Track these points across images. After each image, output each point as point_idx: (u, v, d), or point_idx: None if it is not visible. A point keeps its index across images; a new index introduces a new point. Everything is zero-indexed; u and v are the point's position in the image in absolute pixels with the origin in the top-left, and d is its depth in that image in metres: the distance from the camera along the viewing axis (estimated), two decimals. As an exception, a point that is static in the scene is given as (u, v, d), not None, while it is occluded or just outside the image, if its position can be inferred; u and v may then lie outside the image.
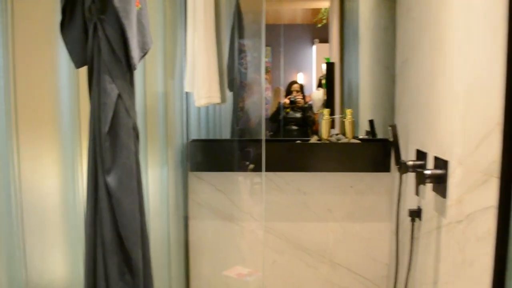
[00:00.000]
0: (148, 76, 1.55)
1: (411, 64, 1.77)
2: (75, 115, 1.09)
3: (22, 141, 0.95)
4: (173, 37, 1.87)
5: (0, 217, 0.87)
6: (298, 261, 2.15)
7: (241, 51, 2.25)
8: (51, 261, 1.12)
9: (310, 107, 2.48)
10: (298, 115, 2.45)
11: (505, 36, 1.00)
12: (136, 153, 1.00)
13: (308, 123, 2.47)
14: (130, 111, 0.97)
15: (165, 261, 1.78)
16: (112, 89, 0.92)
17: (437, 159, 1.44)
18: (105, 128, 0.92)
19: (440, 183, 1.40)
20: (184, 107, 2.03)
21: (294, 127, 2.45)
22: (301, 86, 2.51)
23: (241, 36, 2.24)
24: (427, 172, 1.41)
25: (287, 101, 2.44)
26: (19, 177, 0.93)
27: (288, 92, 2.48)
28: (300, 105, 2.46)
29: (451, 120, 1.33)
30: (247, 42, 2.28)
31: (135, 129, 0.99)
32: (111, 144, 0.93)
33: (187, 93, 1.97)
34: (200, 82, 1.70)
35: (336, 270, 2.15)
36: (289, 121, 2.45)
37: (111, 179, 0.92)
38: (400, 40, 1.98)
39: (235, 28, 2.21)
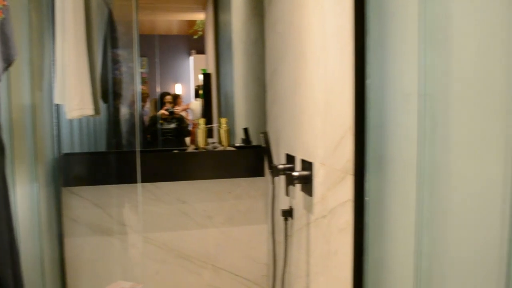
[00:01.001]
0: (13, 88, 1.46)
1: (279, 75, 1.91)
2: None
3: None
4: (40, 47, 1.78)
5: None
6: (181, 269, 2.17)
7: (116, 61, 2.21)
8: None
9: (182, 118, 2.51)
10: (174, 125, 2.47)
11: (352, 53, 1.14)
12: (2, 169, 0.95)
13: (184, 133, 2.50)
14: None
15: (38, 280, 1.68)
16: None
17: (303, 161, 1.58)
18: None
19: (307, 183, 1.53)
20: (55, 119, 1.94)
21: (171, 138, 2.47)
22: (174, 97, 2.54)
23: (114, 46, 2.20)
24: (295, 173, 1.54)
25: (165, 112, 2.45)
26: None
27: (161, 103, 2.49)
28: (178, 116, 2.49)
29: (314, 126, 1.47)
30: (122, 52, 2.24)
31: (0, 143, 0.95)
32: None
33: (57, 105, 1.89)
34: (71, 93, 1.65)
35: (218, 274, 2.21)
36: (166, 132, 2.46)
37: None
38: (268, 52, 2.12)
39: (108, 38, 2.17)
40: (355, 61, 1.14)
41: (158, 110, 2.46)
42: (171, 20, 2.72)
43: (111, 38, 2.19)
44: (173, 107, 2.48)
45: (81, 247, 2.06)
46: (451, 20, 0.80)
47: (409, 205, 0.96)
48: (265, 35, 2.17)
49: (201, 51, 2.75)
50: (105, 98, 2.10)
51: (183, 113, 2.55)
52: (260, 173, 2.15)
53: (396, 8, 0.99)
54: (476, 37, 0.74)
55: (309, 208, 1.55)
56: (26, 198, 1.60)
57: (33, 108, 1.67)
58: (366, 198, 1.18)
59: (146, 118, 2.48)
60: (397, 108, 1.00)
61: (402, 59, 0.97)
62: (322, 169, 1.40)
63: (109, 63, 2.16)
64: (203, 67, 2.69)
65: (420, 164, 0.91)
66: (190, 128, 2.50)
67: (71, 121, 1.95)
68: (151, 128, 2.45)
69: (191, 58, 2.74)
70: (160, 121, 2.44)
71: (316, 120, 1.44)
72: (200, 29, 2.69)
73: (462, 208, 0.78)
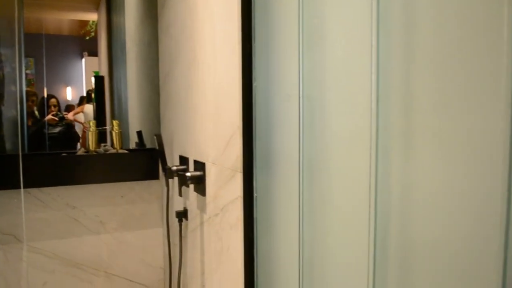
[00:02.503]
0: None
1: (172, 78, 1.92)
2: None
3: None
4: None
5: None
6: (71, 278, 2.07)
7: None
8: None
9: (71, 124, 2.42)
10: (61, 129, 2.37)
11: (239, 57, 1.20)
12: None
13: (74, 138, 2.41)
14: None
15: None
16: None
17: (196, 162, 1.61)
18: None
19: (199, 183, 1.56)
20: None
21: (60, 142, 2.36)
22: (58, 101, 2.44)
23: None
24: (188, 174, 1.56)
25: (54, 118, 2.33)
26: None
27: (47, 107, 2.37)
28: (68, 122, 2.39)
29: (205, 127, 1.51)
30: (4, 52, 2.10)
31: None
32: None
33: None
34: None
35: (112, 282, 2.15)
36: (54, 137, 2.35)
37: None
38: (162, 55, 2.12)
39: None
40: (243, 65, 1.20)
41: (45, 114, 2.34)
42: (61, 20, 2.60)
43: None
44: (59, 111, 2.38)
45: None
46: (324, 26, 0.89)
47: (293, 198, 1.03)
48: (159, 37, 2.17)
49: (94, 53, 2.66)
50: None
51: (78, 116, 2.46)
52: (155, 176, 2.14)
53: (280, 15, 1.07)
54: (344, 42, 0.83)
55: (202, 207, 1.58)
56: None
57: None
58: (255, 194, 1.24)
59: (33, 122, 2.34)
60: (281, 108, 1.07)
61: (284, 63, 1.05)
62: (213, 169, 1.44)
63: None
64: (96, 70, 2.61)
65: (300, 160, 0.99)
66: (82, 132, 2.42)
67: None
68: (38, 132, 2.32)
69: (83, 60, 2.64)
70: (49, 126, 2.33)
71: (207, 121, 1.48)
72: (93, 30, 2.60)
73: (336, 199, 0.86)
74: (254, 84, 1.20)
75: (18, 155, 1.74)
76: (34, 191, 1.94)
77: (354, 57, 0.79)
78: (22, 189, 1.74)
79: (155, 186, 2.17)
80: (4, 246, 1.93)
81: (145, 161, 2.12)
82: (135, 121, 2.46)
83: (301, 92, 0.98)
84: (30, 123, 2.32)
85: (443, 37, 0.61)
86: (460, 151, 0.58)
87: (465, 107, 0.57)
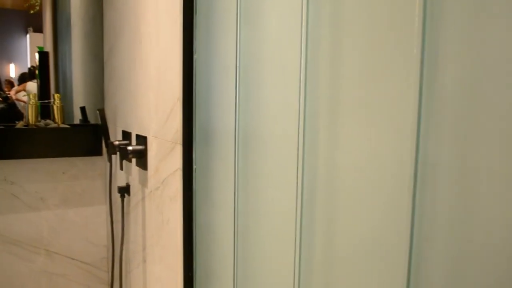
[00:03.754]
0: None
1: (116, 52, 1.89)
2: None
3: None
4: None
5: None
6: (9, 256, 2.01)
7: None
8: None
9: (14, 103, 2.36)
10: (3, 107, 2.29)
11: (180, 29, 1.20)
12: None
13: (17, 117, 2.33)
14: None
15: None
16: None
17: (138, 136, 1.60)
18: None
19: (141, 157, 1.56)
20: None
21: (2, 120, 2.28)
22: (9, 82, 2.37)
23: None
24: (129, 148, 1.55)
25: None
26: None
27: None
28: (10, 101, 2.32)
29: (147, 100, 1.50)
30: None
31: None
32: None
33: None
34: None
35: (53, 260, 2.11)
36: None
37: None
38: (106, 29, 2.07)
39: None
40: (183, 37, 1.20)
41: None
42: (5, -9, 2.49)
43: None
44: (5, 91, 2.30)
45: None
46: (261, 1, 0.90)
47: (229, 170, 1.05)
48: (104, 12, 2.12)
49: (39, 29, 2.57)
50: None
51: (20, 95, 2.38)
52: (98, 153, 2.10)
53: (218, -13, 1.07)
54: (278, 16, 0.85)
55: (144, 182, 1.57)
56: None
57: None
58: (194, 167, 1.25)
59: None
60: (219, 81, 1.09)
61: (223, 35, 1.06)
62: (155, 142, 1.44)
63: None
64: (41, 45, 2.52)
65: (236, 131, 1.01)
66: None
67: None
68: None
69: (28, 36, 2.55)
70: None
71: (149, 95, 1.47)
72: (38, 3, 2.51)
73: (269, 168, 0.89)
74: (195, 56, 1.21)
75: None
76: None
77: (286, 30, 0.81)
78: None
79: (99, 163, 2.14)
80: None
81: (88, 137, 2.08)
82: (80, 97, 2.40)
83: (238, 64, 0.99)
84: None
85: (368, 12, 0.64)
86: (378, 118, 0.62)
87: (384, 77, 0.61)
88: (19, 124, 1.96)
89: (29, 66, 2.56)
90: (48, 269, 2.10)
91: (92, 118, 2.19)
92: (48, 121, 2.02)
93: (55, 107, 1.98)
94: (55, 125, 2.00)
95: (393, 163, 0.59)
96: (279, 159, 0.85)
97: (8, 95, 2.36)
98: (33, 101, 1.92)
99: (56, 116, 2.00)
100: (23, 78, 2.51)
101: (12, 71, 2.51)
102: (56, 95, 1.99)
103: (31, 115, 1.94)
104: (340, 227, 0.70)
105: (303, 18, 0.75)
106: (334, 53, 0.70)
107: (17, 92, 2.43)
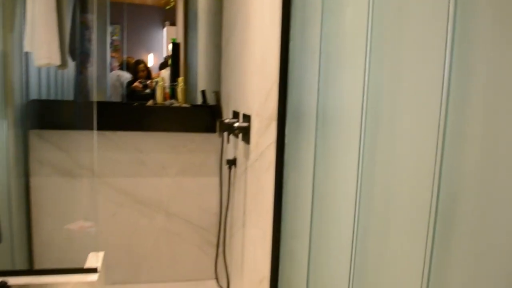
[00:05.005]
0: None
1: (231, 41, 2.13)
2: None
3: None
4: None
5: None
6: (136, 212, 2.40)
7: (87, 26, 2.38)
8: None
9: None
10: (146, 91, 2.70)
11: (279, 19, 1.38)
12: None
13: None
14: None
15: (5, 217, 1.88)
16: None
17: (245, 115, 1.82)
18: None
19: (246, 133, 1.78)
20: (24, 67, 2.12)
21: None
22: (147, 66, 2.75)
23: (84, 10, 2.37)
24: (236, 124, 1.78)
25: (139, 85, 2.65)
26: None
27: (135, 71, 2.69)
28: (151, 88, 2.71)
29: (252, 83, 1.71)
30: (92, 18, 2.41)
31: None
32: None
33: (27, 53, 2.06)
34: (39, 42, 1.83)
35: (171, 220, 2.45)
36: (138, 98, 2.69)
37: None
38: (225, 21, 2.34)
39: (77, 2, 2.34)
40: (282, 26, 1.38)
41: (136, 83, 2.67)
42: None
43: (80, 2, 2.36)
44: (145, 79, 2.70)
45: (46, 187, 2.26)
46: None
47: (311, 143, 1.21)
48: (224, 6, 2.38)
49: (174, 23, 2.92)
50: (73, 56, 2.28)
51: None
52: (213, 130, 2.38)
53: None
54: (352, 9, 0.98)
55: (247, 155, 1.79)
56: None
57: (3, 54, 1.85)
58: (286, 141, 1.43)
59: (115, 82, 2.67)
60: (307, 64, 1.24)
61: (311, 25, 1.22)
62: (256, 120, 1.64)
63: (77, 25, 2.33)
64: (174, 37, 2.87)
65: (317, 110, 1.16)
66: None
67: (39, 70, 2.13)
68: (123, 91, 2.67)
69: (165, 30, 2.91)
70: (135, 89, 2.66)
71: (254, 78, 1.68)
72: (172, 0, 2.86)
73: (340, 142, 1.03)
74: (291, 43, 1.38)
75: (95, 102, 2.05)
76: (109, 134, 2.26)
77: (356, 22, 0.95)
78: (95, 131, 2.02)
79: (213, 139, 2.42)
80: (83, 179, 2.29)
81: (205, 116, 2.37)
82: (201, 81, 2.71)
83: (321, 50, 1.14)
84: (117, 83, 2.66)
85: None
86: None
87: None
88: (149, 103, 2.32)
89: (164, 56, 2.93)
90: (166, 227, 2.46)
91: (210, 101, 2.48)
92: (172, 100, 2.35)
93: (178, 89, 2.30)
94: (178, 104, 2.32)
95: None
96: (347, 136, 0.99)
97: (148, 84, 2.73)
98: (161, 83, 2.25)
99: (179, 97, 2.32)
100: (161, 66, 2.90)
101: (151, 61, 2.90)
102: (180, 79, 2.31)
103: (159, 95, 2.28)
104: (394, 191, 0.82)
105: (370, 13, 0.88)
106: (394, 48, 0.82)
107: (154, 78, 2.81)
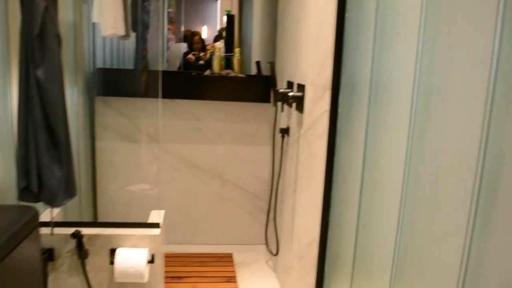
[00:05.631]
0: (60, 5, 1.77)
1: (287, 12, 2.17)
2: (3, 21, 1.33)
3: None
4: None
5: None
6: (193, 177, 2.53)
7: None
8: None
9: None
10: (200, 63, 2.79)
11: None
12: (59, 56, 1.26)
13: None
14: (54, 21, 1.23)
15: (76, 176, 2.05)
16: (40, 2, 1.18)
17: (299, 85, 1.87)
18: (35, 32, 1.18)
19: (300, 103, 1.83)
20: (91, 37, 2.25)
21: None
22: (201, 38, 2.83)
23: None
24: (290, 94, 1.83)
25: (192, 57, 2.75)
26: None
27: (190, 43, 2.78)
28: (204, 60, 2.79)
29: (307, 53, 1.74)
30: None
31: (58, 36, 1.26)
32: (40, 45, 1.19)
33: (94, 24, 2.19)
34: (106, 13, 1.94)
35: (225, 186, 2.57)
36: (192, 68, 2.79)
37: (40, 73, 1.19)
38: (282, -8, 2.37)
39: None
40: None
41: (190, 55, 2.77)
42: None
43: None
44: (199, 51, 2.78)
45: (110, 150, 2.42)
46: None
47: (363, 112, 1.25)
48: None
49: (229, -5, 2.96)
50: (134, 27, 2.39)
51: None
52: (267, 100, 2.45)
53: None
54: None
55: (300, 123, 1.85)
56: (67, 101, 1.95)
57: (75, 25, 1.99)
58: (339, 109, 1.47)
59: (173, 53, 2.78)
60: (363, 35, 1.27)
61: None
62: (310, 89, 1.69)
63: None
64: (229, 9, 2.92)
65: (371, 81, 1.20)
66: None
67: (104, 40, 2.26)
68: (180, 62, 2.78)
69: (219, 2, 2.97)
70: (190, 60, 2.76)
71: (308, 49, 1.72)
72: (228, -29, 2.90)
73: (391, 113, 1.07)
74: (347, 15, 1.41)
75: (159, 71, 2.16)
76: (168, 102, 2.38)
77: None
78: (160, 99, 2.14)
79: (267, 109, 2.49)
80: (143, 144, 2.43)
81: (260, 86, 2.43)
82: (256, 52, 2.77)
83: (376, 21, 1.17)
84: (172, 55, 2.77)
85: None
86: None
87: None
88: (207, 72, 2.41)
89: (218, 28, 3.00)
90: (221, 192, 2.57)
91: (265, 71, 2.53)
92: (229, 71, 2.42)
93: (235, 60, 2.37)
94: (234, 74, 2.40)
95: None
96: (399, 105, 1.02)
97: (201, 55, 2.82)
98: (218, 53, 2.33)
99: (235, 67, 2.39)
100: (215, 39, 2.97)
101: (204, 33, 2.98)
102: (236, 49, 2.38)
103: (216, 65, 2.36)
104: (442, 158, 0.86)
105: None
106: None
107: (208, 51, 2.89)
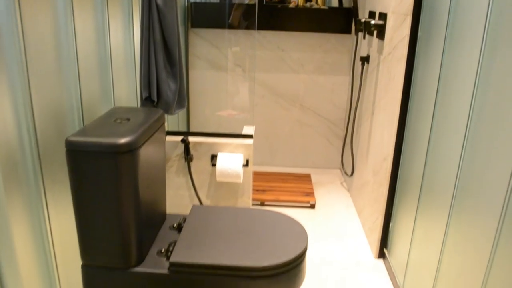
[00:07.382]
0: None
1: None
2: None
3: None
4: None
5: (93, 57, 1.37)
6: (275, 104, 2.75)
7: None
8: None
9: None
10: None
11: None
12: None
13: None
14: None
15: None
16: None
17: (380, 14, 1.98)
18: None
19: (381, 31, 1.95)
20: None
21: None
22: None
23: None
24: (372, 22, 1.95)
25: None
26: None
27: None
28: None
29: (391, -19, 1.84)
30: None
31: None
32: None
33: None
34: None
35: (305, 112, 2.77)
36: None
37: (159, 0, 1.42)
38: None
39: None
40: None
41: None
42: None
43: None
44: None
45: (201, 78, 2.68)
46: None
47: (441, 36, 1.37)
48: None
49: None
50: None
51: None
52: (348, 31, 2.57)
53: None
54: None
55: (380, 50, 1.98)
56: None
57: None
58: (419, 34, 1.59)
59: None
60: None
61: None
62: (392, 17, 1.80)
63: None
64: None
65: (449, 6, 1.31)
66: None
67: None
68: None
69: None
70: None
71: (393, -23, 1.81)
72: None
73: (464, 32, 1.19)
74: None
75: (252, 4, 2.34)
76: (254, 33, 2.57)
77: None
78: (256, 31, 2.33)
79: (347, 40, 2.61)
80: (232, 73, 2.66)
81: (341, 18, 2.55)
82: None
83: None
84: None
85: None
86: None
87: None
88: (291, 4, 2.55)
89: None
90: (300, 119, 2.78)
91: (346, 3, 2.63)
92: (312, 3, 2.55)
93: (318, -9, 2.48)
94: (317, 6, 2.53)
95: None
96: (473, 31, 1.14)
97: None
98: (303, -15, 2.46)
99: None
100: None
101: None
102: (320, -19, 2.48)
103: (300, -4, 2.50)
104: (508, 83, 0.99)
105: None
106: None
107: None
